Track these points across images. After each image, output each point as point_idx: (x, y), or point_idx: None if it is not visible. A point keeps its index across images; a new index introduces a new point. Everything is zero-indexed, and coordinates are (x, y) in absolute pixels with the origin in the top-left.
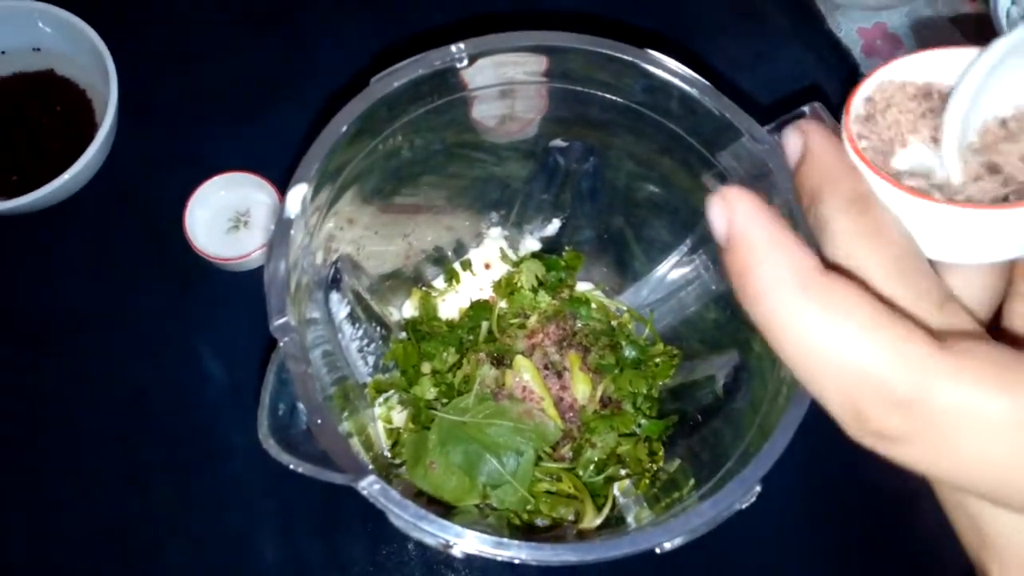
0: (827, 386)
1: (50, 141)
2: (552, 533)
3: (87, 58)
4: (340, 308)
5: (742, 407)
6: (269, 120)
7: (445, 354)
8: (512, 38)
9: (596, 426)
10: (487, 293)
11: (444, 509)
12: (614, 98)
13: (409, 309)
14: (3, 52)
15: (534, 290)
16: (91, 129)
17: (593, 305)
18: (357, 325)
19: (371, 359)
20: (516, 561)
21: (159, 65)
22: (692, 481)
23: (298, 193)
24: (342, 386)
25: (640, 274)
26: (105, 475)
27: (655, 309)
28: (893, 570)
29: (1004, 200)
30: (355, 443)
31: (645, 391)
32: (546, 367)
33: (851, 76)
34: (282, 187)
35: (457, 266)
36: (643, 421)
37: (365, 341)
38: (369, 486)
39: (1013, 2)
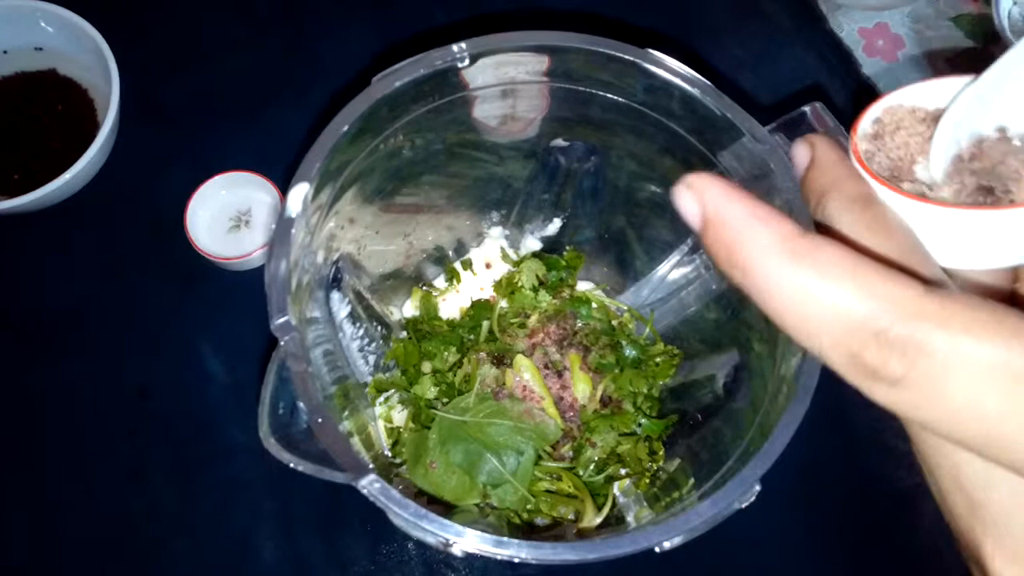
0: (824, 338)
1: (52, 140)
2: (552, 532)
3: (89, 58)
4: (341, 307)
5: (742, 406)
6: (271, 119)
7: (446, 353)
8: (513, 38)
9: (596, 425)
10: (488, 292)
11: (444, 508)
12: (615, 98)
13: (410, 308)
14: (5, 51)
15: (535, 289)
16: (93, 128)
17: (594, 305)
18: (358, 324)
19: (372, 358)
20: (516, 560)
21: (161, 65)
22: (692, 480)
23: (299, 192)
24: (343, 385)
25: (641, 274)
26: (106, 474)
27: (656, 309)
28: (893, 570)
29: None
30: (356, 442)
31: (645, 390)
32: (546, 366)
33: (853, 76)
34: (283, 186)
35: (458, 265)
36: (643, 420)
37: (366, 340)
38: (369, 485)
39: (1015, 2)
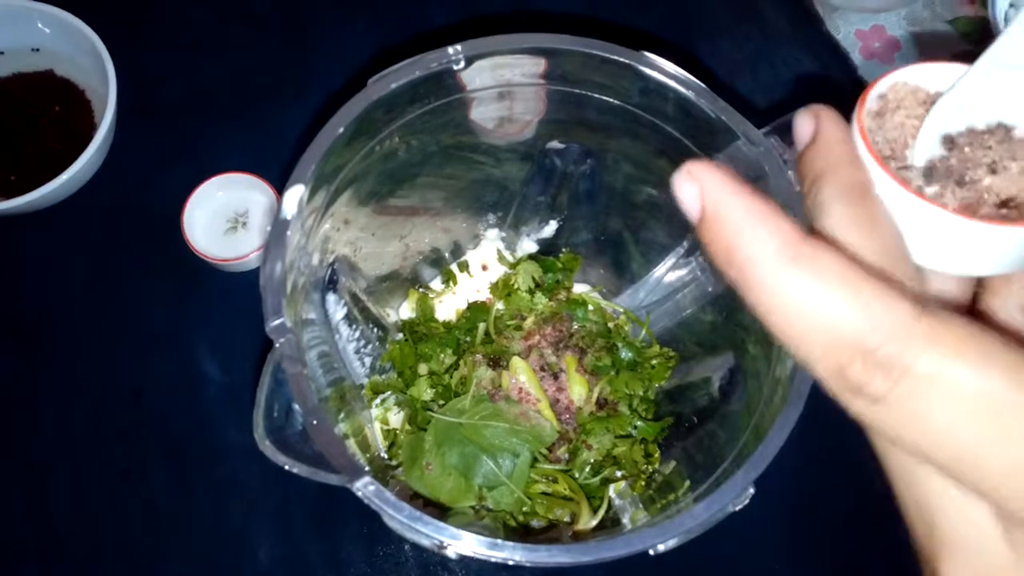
0: (813, 348)
1: (49, 141)
2: (548, 535)
3: (86, 59)
4: (337, 309)
5: (737, 409)
6: (268, 121)
7: (442, 355)
8: (508, 40)
9: (592, 428)
10: (484, 295)
11: (440, 511)
12: (611, 100)
13: (406, 310)
14: (2, 52)
15: (531, 292)
16: (90, 129)
17: (590, 307)
18: (354, 326)
19: (368, 360)
20: (510, 563)
21: (158, 66)
22: (687, 483)
23: (294, 195)
24: (339, 387)
25: (637, 276)
26: (101, 475)
27: (652, 311)
28: (887, 573)
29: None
30: (352, 444)
31: (641, 393)
32: (543, 369)
33: (849, 78)
34: (281, 188)
35: (454, 267)
36: (639, 423)
37: (362, 342)
38: (364, 487)
39: (1011, 4)
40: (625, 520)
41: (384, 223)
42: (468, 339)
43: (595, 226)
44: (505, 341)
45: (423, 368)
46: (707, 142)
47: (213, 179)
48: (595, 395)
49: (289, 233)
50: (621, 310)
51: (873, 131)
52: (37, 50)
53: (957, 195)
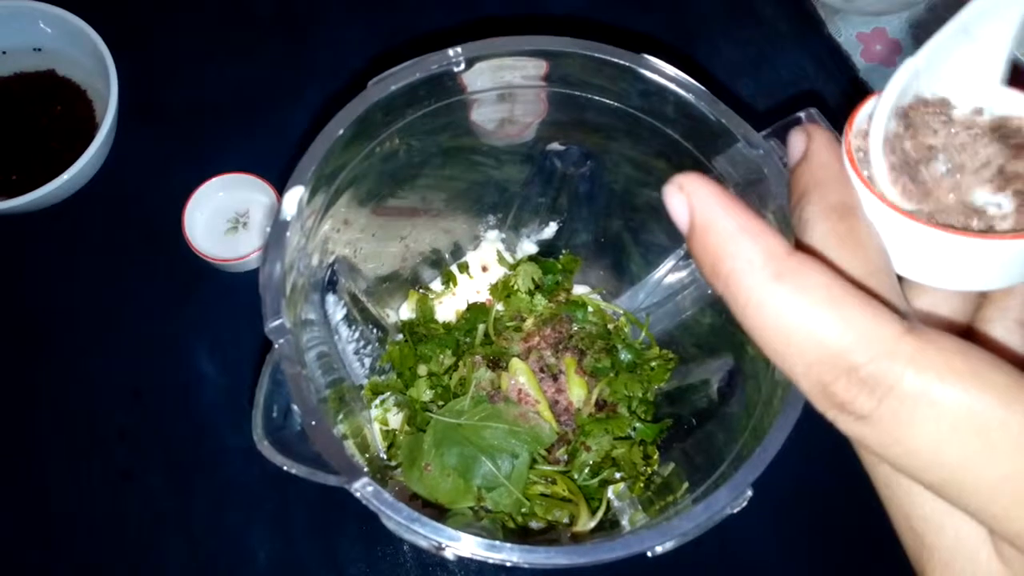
0: (797, 363)
1: (50, 141)
2: (547, 536)
3: (88, 59)
4: (337, 310)
5: (736, 411)
6: (269, 122)
7: (441, 356)
8: (509, 42)
9: (591, 429)
10: (484, 296)
11: (439, 512)
12: (611, 102)
13: (406, 311)
14: (4, 52)
15: (531, 293)
16: (91, 129)
17: (590, 308)
18: (354, 327)
19: (368, 361)
20: (508, 564)
21: (160, 66)
22: (686, 484)
23: (294, 196)
24: (338, 388)
25: (637, 278)
26: (101, 474)
27: (651, 313)
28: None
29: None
30: (351, 445)
31: (640, 395)
32: (542, 370)
33: (850, 81)
34: (281, 189)
35: (454, 269)
36: (638, 425)
37: (362, 343)
38: (362, 488)
39: None
40: (624, 522)
41: (384, 224)
42: (468, 340)
43: (595, 228)
44: (505, 342)
45: (422, 369)
46: (707, 144)
47: (214, 179)
48: (594, 397)
49: (289, 234)
50: (621, 312)
51: (864, 149)
52: (39, 50)
53: (915, 194)
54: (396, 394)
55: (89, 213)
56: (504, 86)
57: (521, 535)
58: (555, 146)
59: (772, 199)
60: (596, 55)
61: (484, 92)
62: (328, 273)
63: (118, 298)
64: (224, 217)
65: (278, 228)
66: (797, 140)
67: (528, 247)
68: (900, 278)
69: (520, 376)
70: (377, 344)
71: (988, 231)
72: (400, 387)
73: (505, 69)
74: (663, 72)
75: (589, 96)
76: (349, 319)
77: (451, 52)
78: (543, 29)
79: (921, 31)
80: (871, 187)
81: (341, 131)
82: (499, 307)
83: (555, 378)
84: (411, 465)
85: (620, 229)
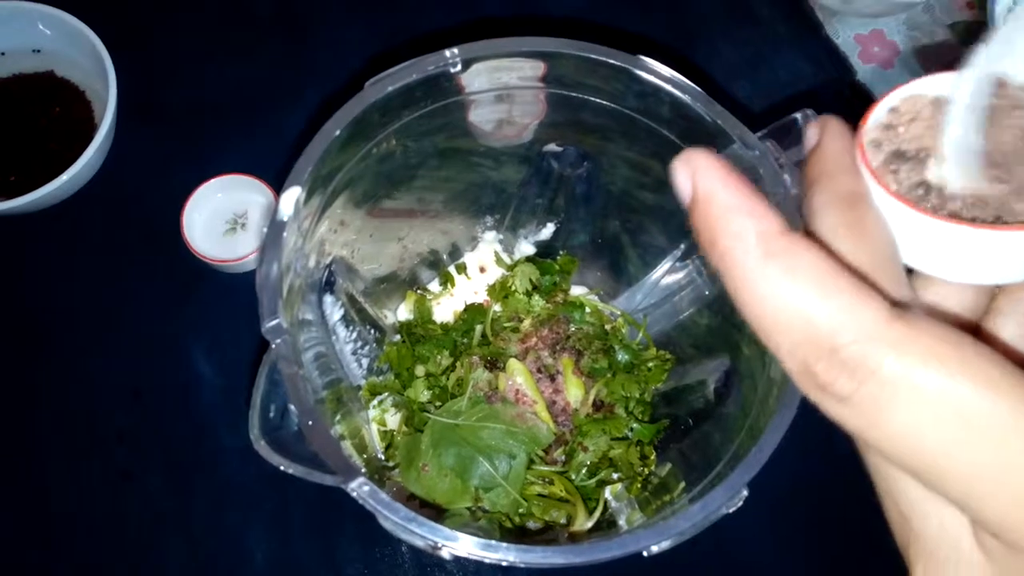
0: (783, 342)
1: (49, 142)
2: (544, 536)
3: (87, 60)
4: (334, 310)
5: (732, 411)
6: (267, 123)
7: (439, 357)
8: (505, 43)
9: (588, 430)
10: (481, 296)
11: (436, 512)
12: (607, 103)
13: (404, 312)
14: (3, 53)
15: (528, 294)
16: (90, 130)
17: (587, 309)
18: (351, 328)
19: (365, 361)
20: (505, 564)
21: (158, 67)
22: (683, 484)
23: (291, 196)
24: (335, 388)
25: (634, 279)
26: (99, 474)
27: (648, 314)
28: (880, 574)
29: (997, 219)
30: (348, 445)
31: (638, 395)
32: (539, 370)
33: (848, 83)
34: (280, 190)
35: (452, 269)
36: (635, 425)
37: (359, 343)
38: (359, 488)
39: (1011, 9)
40: (621, 522)
41: (381, 225)
42: (465, 341)
43: (592, 229)
44: (502, 343)
45: (420, 370)
46: (703, 145)
47: (212, 180)
48: (591, 397)
49: (285, 235)
50: (618, 312)
51: (881, 142)
52: (38, 51)
53: (907, 183)
54: (394, 394)
55: (88, 214)
56: (501, 87)
57: (518, 535)
58: (552, 147)
59: (768, 199)
60: (592, 56)
61: (481, 93)
62: (325, 274)
63: (117, 298)
64: (222, 218)
65: (275, 229)
66: (813, 131)
67: (526, 248)
68: (911, 270)
69: (518, 377)
70: (375, 345)
71: (996, 221)
72: (398, 388)
73: (502, 70)
74: (659, 73)
75: (586, 97)
76: (347, 320)
77: (447, 53)
78: (542, 30)
79: (919, 32)
80: (879, 178)
81: (338, 132)
82: (497, 308)
83: (552, 379)
84: (409, 465)
85: (617, 230)
